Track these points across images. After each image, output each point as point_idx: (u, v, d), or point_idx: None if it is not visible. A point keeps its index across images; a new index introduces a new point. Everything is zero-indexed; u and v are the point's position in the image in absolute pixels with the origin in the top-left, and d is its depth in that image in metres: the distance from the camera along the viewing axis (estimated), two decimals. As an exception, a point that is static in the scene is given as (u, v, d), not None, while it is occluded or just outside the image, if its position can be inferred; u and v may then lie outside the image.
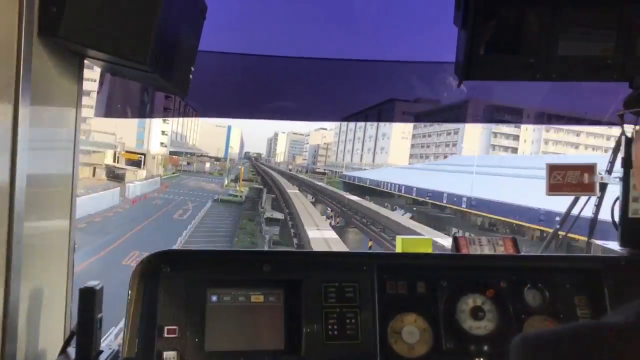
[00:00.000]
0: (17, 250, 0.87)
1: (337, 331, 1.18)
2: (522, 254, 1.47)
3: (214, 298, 1.18)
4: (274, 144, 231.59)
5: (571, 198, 1.92)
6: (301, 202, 33.50)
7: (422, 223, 27.38)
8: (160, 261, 1.16)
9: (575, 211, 1.98)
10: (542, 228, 20.26)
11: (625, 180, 1.44)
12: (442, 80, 1.75)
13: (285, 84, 1.92)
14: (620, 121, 0.67)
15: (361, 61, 1.82)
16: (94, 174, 52.71)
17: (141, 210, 36.15)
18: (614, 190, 1.53)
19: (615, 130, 1.52)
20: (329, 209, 41.80)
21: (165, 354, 1.10)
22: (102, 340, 1.05)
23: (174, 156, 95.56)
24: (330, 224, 30.97)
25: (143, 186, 48.36)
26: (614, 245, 1.63)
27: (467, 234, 2.87)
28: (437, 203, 35.19)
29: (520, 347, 0.54)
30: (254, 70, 1.84)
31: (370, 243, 25.44)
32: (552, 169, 1.62)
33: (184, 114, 2.13)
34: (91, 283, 1.00)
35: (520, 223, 23.54)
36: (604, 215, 1.66)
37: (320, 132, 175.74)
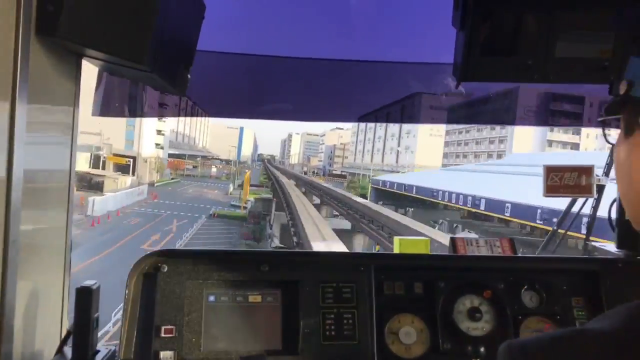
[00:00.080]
0: (14, 249, 0.87)
1: (334, 331, 1.18)
2: (519, 255, 1.48)
3: (212, 298, 1.18)
4: (287, 145, 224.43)
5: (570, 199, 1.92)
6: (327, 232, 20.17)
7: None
8: (157, 261, 1.16)
9: (573, 212, 1.99)
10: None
11: None
12: (442, 81, 1.75)
13: (285, 85, 1.92)
14: (602, 126, 0.67)
15: (361, 62, 1.82)
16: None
17: (98, 238, 25.45)
18: (614, 190, 1.52)
19: None
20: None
21: (162, 353, 1.10)
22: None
23: (176, 159, 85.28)
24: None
25: (121, 198, 38.23)
26: (611, 247, 1.63)
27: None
28: (502, 217, 24.44)
29: (506, 354, 0.54)
30: (254, 70, 1.84)
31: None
32: (549, 170, 1.62)
33: (186, 113, 2.12)
34: (88, 282, 1.00)
35: None
36: (604, 213, 1.66)
37: (337, 132, 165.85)
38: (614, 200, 1.56)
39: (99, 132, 50.89)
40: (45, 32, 0.89)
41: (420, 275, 1.28)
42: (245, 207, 41.94)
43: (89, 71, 1.15)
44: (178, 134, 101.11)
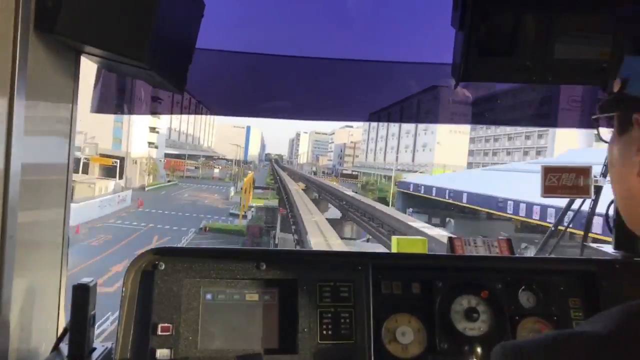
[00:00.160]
0: (11, 245, 0.86)
1: (331, 331, 1.18)
2: (517, 255, 1.48)
3: (209, 296, 1.18)
4: (296, 145, 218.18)
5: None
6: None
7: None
8: (154, 258, 1.16)
9: (571, 214, 1.99)
10: None
11: None
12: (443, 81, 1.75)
13: (285, 83, 1.92)
14: (595, 125, 0.67)
15: (361, 61, 1.82)
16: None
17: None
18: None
19: None
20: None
21: (159, 351, 1.09)
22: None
23: (174, 160, 77.92)
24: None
25: (91, 209, 29.78)
26: (608, 248, 1.64)
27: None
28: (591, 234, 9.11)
29: (500, 356, 0.55)
30: (254, 69, 1.84)
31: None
32: (547, 171, 1.62)
33: (188, 111, 2.12)
34: (85, 280, 1.00)
35: None
36: (603, 211, 1.66)
37: (347, 130, 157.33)
38: (612, 202, 1.56)
39: (80, 130, 33.96)
40: (44, 28, 0.88)
41: (418, 275, 1.28)
42: (245, 216, 35.54)
43: (87, 68, 1.14)
44: (180, 133, 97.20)
